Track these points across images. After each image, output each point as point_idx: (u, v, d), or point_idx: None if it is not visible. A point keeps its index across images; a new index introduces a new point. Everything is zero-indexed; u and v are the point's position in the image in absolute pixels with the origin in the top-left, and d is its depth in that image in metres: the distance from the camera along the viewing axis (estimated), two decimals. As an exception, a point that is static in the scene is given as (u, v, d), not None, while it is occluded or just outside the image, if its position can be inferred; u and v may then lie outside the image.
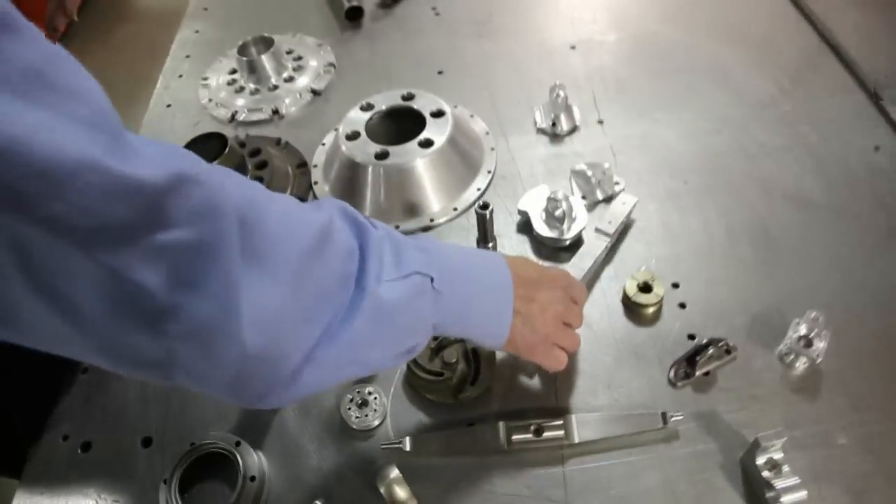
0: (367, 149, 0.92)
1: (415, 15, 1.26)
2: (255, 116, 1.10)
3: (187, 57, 1.26)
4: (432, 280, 0.54)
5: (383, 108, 0.97)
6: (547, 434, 0.67)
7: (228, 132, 1.08)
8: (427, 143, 0.92)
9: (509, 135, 1.01)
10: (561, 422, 0.67)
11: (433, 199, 0.93)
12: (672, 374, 0.71)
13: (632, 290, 0.78)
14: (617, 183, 0.91)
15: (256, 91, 1.13)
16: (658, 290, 0.77)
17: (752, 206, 0.87)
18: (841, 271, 0.79)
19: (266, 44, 1.14)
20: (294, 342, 0.47)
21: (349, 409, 0.72)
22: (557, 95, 0.97)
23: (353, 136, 0.94)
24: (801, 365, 0.70)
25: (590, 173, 0.90)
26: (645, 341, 0.75)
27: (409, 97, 0.98)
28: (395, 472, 0.55)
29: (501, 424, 0.68)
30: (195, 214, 0.39)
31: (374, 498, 0.65)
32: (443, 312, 0.56)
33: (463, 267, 0.59)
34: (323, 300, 0.49)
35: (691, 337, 0.75)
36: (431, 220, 0.91)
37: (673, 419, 0.66)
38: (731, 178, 0.90)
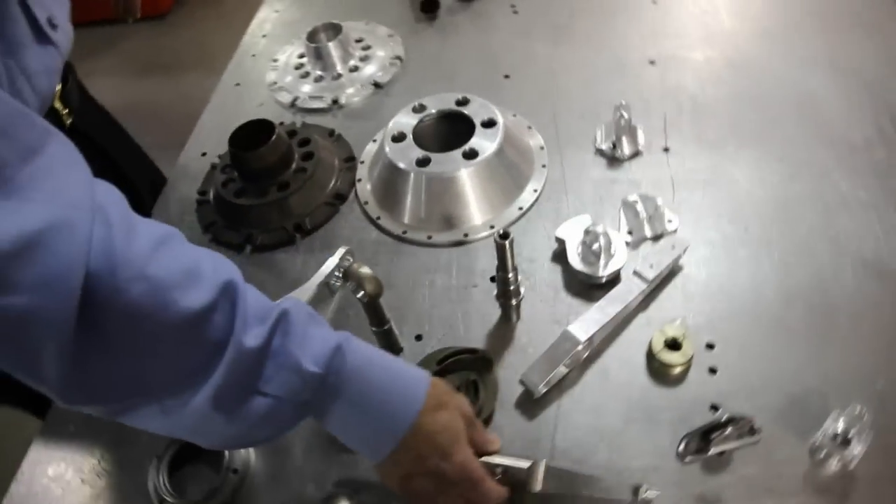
0: (410, 153, 0.90)
1: (492, 12, 1.21)
2: (315, 104, 1.10)
3: (263, 37, 1.27)
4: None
5: (433, 111, 0.94)
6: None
7: (288, 117, 1.09)
8: (472, 154, 0.88)
9: (566, 152, 0.95)
10: (527, 466, 0.63)
11: (473, 213, 0.89)
12: (682, 446, 0.65)
13: (658, 345, 0.71)
14: (670, 221, 0.84)
15: (321, 78, 1.13)
16: (687, 349, 0.71)
17: (816, 267, 0.77)
18: (906, 361, 0.69)
19: (335, 30, 1.13)
20: (119, 399, 0.48)
21: (340, 423, 0.71)
22: (621, 116, 0.90)
23: (398, 139, 0.92)
24: (832, 464, 0.62)
25: (640, 207, 0.84)
26: (662, 403, 0.69)
27: (464, 102, 0.94)
28: None
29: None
30: (38, 284, 0.38)
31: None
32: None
33: (353, 405, 0.56)
34: (167, 382, 0.49)
35: (714, 408, 0.68)
36: (465, 235, 0.88)
37: (647, 493, 0.60)
38: (799, 231, 0.81)
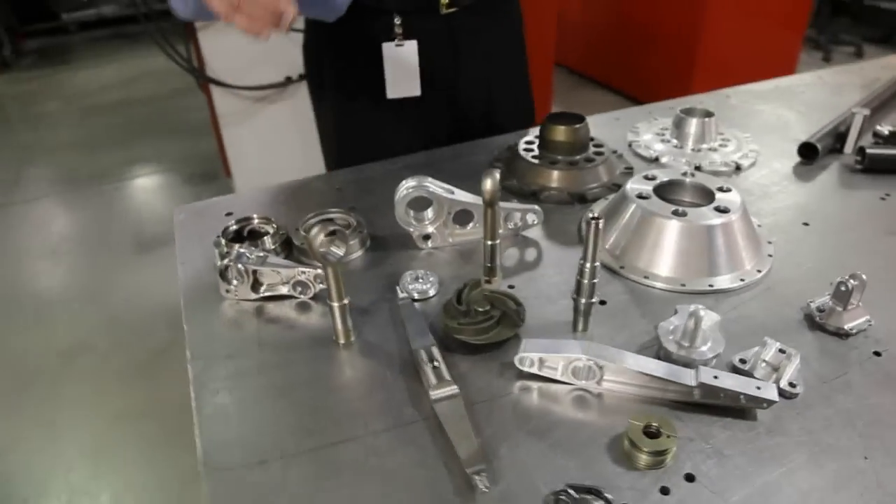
0: (640, 188, 0.96)
1: (861, 187, 1.12)
2: (643, 152, 1.23)
3: (670, 108, 1.44)
4: None
5: (695, 181, 0.98)
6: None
7: (622, 148, 1.25)
8: (682, 214, 0.90)
9: (779, 287, 0.88)
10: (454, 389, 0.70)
11: (659, 262, 0.90)
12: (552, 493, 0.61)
13: (638, 420, 0.65)
14: (792, 386, 0.72)
15: (667, 141, 1.25)
16: (659, 445, 0.63)
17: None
18: None
19: (707, 116, 1.22)
20: None
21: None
22: (844, 283, 0.78)
23: (650, 178, 0.99)
24: None
25: (780, 357, 0.74)
26: (591, 457, 0.65)
27: (725, 189, 0.95)
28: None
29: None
30: None
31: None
32: None
33: None
34: None
35: None
36: (621, 268, 0.91)
37: (479, 481, 0.60)
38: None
